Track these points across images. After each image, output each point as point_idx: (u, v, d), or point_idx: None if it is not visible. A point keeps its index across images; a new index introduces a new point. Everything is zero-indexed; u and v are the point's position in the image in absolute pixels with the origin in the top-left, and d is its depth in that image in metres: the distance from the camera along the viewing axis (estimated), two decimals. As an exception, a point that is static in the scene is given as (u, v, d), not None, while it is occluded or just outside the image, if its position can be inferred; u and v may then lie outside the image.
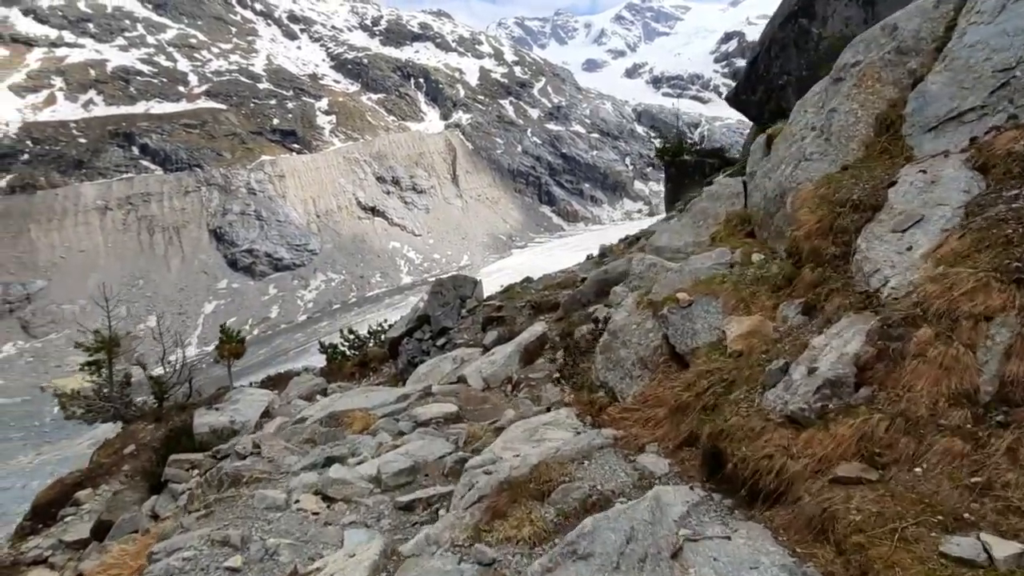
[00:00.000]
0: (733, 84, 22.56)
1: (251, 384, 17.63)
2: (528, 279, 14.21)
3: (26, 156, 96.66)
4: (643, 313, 4.85)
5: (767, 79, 17.98)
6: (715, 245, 6.07)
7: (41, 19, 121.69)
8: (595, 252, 23.89)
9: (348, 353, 17.96)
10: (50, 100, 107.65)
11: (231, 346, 15.91)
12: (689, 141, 22.78)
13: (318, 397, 13.83)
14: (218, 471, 6.08)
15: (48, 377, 67.09)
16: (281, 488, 5.34)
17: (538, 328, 9.33)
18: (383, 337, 18.26)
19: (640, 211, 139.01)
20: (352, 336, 18.30)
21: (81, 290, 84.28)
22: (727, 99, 21.49)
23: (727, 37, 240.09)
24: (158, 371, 18.55)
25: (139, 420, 16.58)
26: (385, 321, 18.71)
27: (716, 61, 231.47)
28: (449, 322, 11.86)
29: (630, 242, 12.57)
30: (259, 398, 12.31)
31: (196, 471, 9.20)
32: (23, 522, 14.83)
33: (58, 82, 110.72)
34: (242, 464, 5.84)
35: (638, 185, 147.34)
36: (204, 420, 11.22)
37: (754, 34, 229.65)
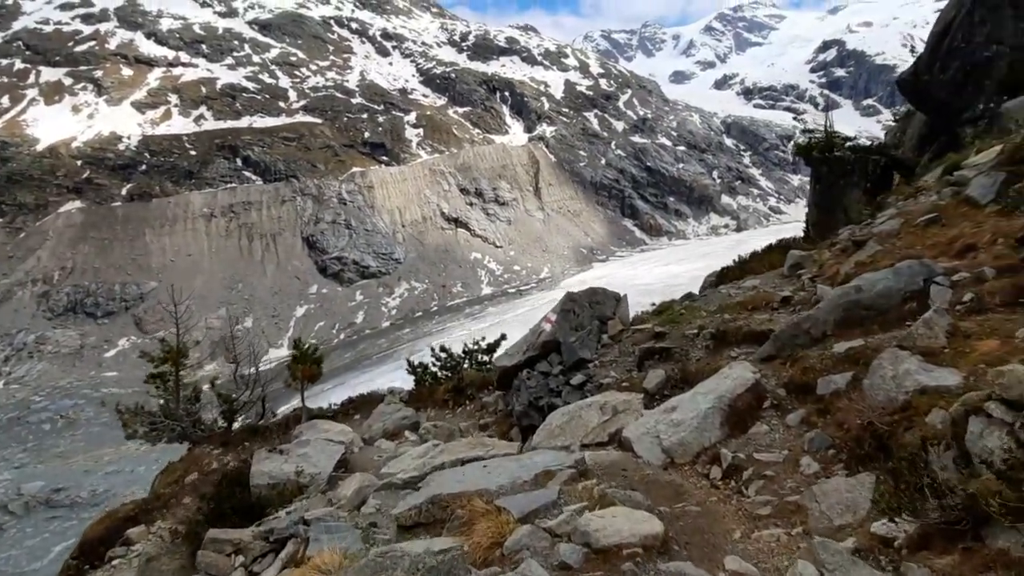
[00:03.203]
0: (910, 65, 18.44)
1: (329, 407, 14.92)
2: (690, 295, 10.71)
3: (144, 167, 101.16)
4: None
5: (966, 52, 13.92)
6: None
7: (161, 41, 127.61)
8: (709, 265, 20.22)
9: (440, 375, 15.04)
10: (166, 115, 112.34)
11: (305, 367, 13.06)
12: (840, 136, 18.72)
13: (407, 434, 10.86)
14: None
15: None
16: None
17: (746, 375, 5.92)
18: (480, 358, 15.23)
19: (727, 226, 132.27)
20: (444, 355, 15.34)
21: (187, 291, 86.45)
22: (899, 82, 17.43)
23: (825, 46, 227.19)
24: (243, 373, 16.10)
25: (206, 442, 14.11)
26: (483, 339, 15.62)
27: (812, 71, 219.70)
28: (587, 352, 8.59)
29: (843, 248, 8.94)
30: (335, 437, 9.41)
31: (240, 558, 6.34)
32: (69, 560, 12.59)
33: (173, 99, 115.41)
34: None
35: (725, 199, 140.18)
36: (264, 468, 8.37)
37: (856, 42, 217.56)
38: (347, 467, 8.48)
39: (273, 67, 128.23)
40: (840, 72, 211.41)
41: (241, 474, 8.76)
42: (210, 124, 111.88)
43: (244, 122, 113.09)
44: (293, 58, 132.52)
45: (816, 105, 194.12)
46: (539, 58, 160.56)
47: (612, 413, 6.86)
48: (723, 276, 15.93)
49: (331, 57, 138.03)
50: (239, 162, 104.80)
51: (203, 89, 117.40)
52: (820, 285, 7.74)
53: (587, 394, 7.78)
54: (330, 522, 5.79)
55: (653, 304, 10.47)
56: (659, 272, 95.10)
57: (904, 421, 4.10)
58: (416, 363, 15.56)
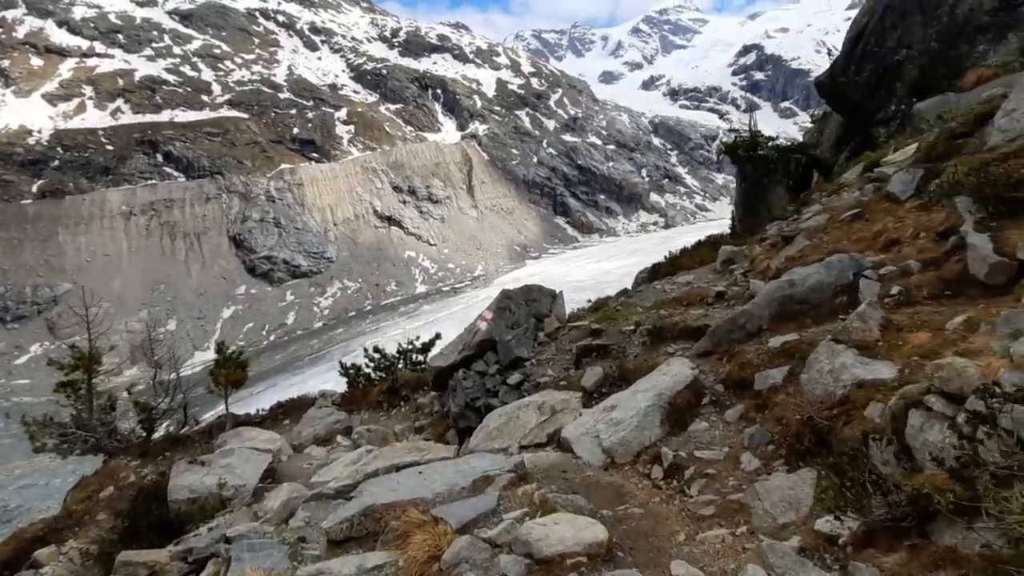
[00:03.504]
0: (827, 67, 19.02)
1: (257, 412, 14.19)
2: (625, 292, 10.64)
3: (56, 162, 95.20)
4: None
5: (878, 56, 14.44)
6: None
7: (74, 30, 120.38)
8: (640, 261, 20.45)
9: (374, 376, 14.55)
10: (80, 108, 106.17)
11: (229, 371, 12.29)
12: (763, 135, 19.21)
13: (339, 440, 10.43)
14: None
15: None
16: None
17: (684, 371, 5.85)
18: (415, 358, 14.86)
19: (656, 223, 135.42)
20: (378, 356, 14.84)
21: (105, 293, 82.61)
22: (817, 84, 17.99)
23: (745, 50, 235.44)
24: (168, 379, 15.09)
25: (123, 454, 13.22)
26: (417, 338, 15.21)
27: (734, 74, 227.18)
28: (523, 351, 8.37)
29: (773, 243, 9.09)
30: (261, 445, 8.89)
31: (156, 582, 5.84)
32: (-30, 587, 11.57)
33: (88, 91, 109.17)
34: None
35: (654, 197, 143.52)
36: (184, 481, 7.81)
37: (773, 47, 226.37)
38: (274, 477, 8.02)
39: (195, 59, 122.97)
40: (759, 75, 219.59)
41: (159, 488, 8.16)
42: (128, 118, 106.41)
43: (165, 116, 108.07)
44: (217, 50, 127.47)
45: (738, 107, 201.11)
46: (471, 56, 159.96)
47: (550, 413, 6.69)
48: (655, 272, 16.08)
49: (257, 50, 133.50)
50: (160, 158, 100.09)
51: (120, 81, 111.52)
52: (753, 280, 7.82)
53: (524, 393, 7.59)
54: (254, 539, 5.39)
55: (589, 300, 10.37)
56: (591, 269, 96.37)
57: (843, 415, 4.06)
58: (349, 364, 15.02)
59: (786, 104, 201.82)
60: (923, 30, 13.58)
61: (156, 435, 13.57)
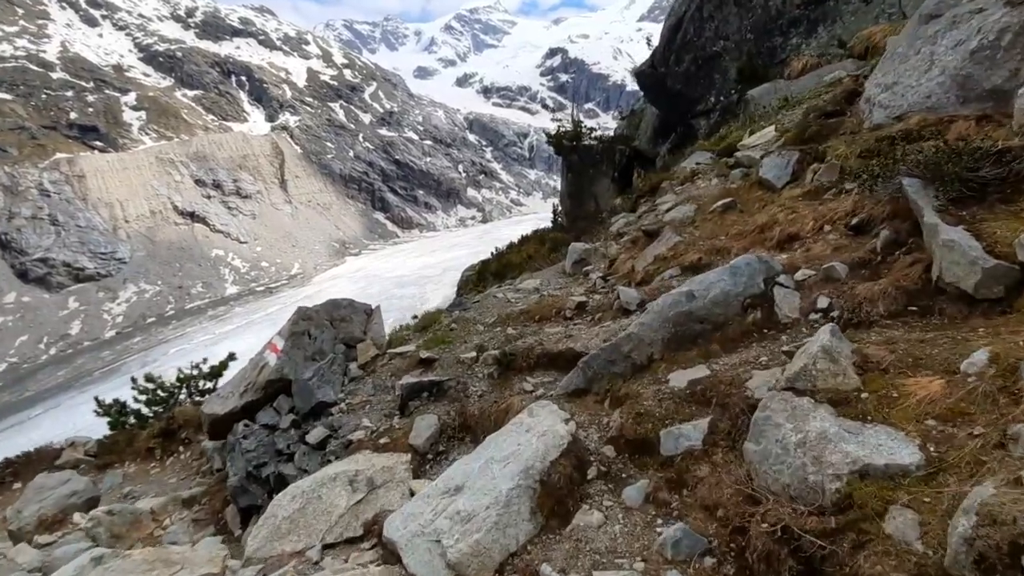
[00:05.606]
0: (647, 57, 18.38)
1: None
2: (460, 303, 8.51)
3: None
4: None
5: (697, 46, 13.85)
6: None
7: None
8: (461, 255, 18.88)
9: (146, 412, 11.30)
10: None
11: None
12: (587, 127, 18.30)
13: (76, 520, 7.44)
14: None
15: None
16: None
17: (556, 427, 3.99)
18: (203, 385, 11.79)
19: (474, 218, 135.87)
20: (152, 387, 11.53)
21: None
22: (637, 73, 17.29)
23: (551, 53, 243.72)
24: None
25: None
26: (204, 361, 12.11)
27: (542, 75, 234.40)
28: (329, 392, 6.05)
29: (633, 239, 7.61)
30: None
31: None
32: None
33: None
34: None
35: (471, 192, 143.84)
36: None
37: (576, 52, 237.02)
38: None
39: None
40: (565, 77, 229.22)
41: None
42: None
43: None
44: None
45: (547, 107, 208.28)
46: (278, 43, 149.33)
47: (368, 488, 4.59)
48: (484, 271, 14.53)
49: (21, 22, 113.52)
50: None
51: None
52: (620, 287, 6.22)
53: (331, 456, 5.34)
54: None
55: (415, 317, 8.19)
56: (413, 263, 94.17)
57: (849, 531, 2.45)
58: (110, 401, 11.55)
59: (589, 106, 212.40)
60: (739, 21, 13.22)
61: None
